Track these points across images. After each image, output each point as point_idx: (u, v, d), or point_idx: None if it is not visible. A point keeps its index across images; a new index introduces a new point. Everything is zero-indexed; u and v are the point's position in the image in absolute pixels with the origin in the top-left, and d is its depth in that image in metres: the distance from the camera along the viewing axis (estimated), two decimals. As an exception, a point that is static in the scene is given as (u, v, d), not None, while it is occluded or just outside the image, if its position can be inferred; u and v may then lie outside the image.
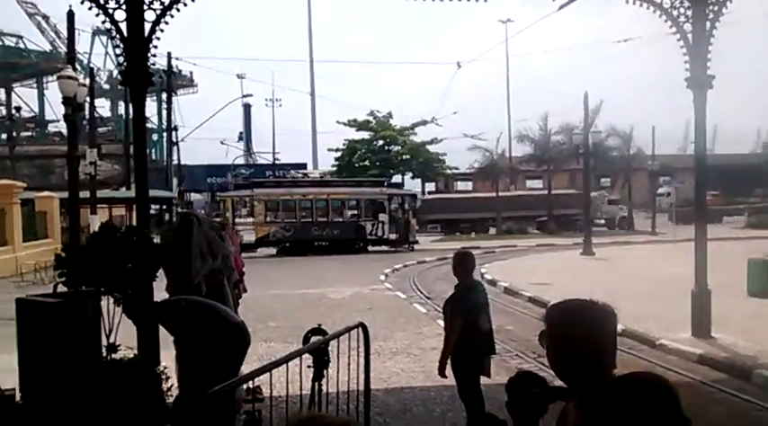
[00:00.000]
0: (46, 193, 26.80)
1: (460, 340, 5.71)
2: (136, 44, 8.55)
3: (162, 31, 8.73)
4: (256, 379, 5.06)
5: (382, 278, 19.54)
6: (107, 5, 8.47)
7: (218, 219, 14.16)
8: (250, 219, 32.07)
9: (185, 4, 8.80)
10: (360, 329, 5.02)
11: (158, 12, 8.60)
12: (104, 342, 5.70)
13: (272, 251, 31.07)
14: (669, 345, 9.81)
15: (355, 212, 31.95)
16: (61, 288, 5.77)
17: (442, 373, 5.78)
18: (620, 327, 9.74)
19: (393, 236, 31.44)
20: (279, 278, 19.91)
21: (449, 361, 5.81)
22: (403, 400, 7.50)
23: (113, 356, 5.80)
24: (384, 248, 31.02)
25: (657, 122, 70.05)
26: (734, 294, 13.13)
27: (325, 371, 4.63)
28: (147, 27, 8.58)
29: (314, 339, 4.48)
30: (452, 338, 5.75)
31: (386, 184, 35.41)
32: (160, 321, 5.29)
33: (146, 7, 8.58)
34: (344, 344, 5.38)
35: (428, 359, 8.85)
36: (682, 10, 10.20)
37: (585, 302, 2.37)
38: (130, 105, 11.72)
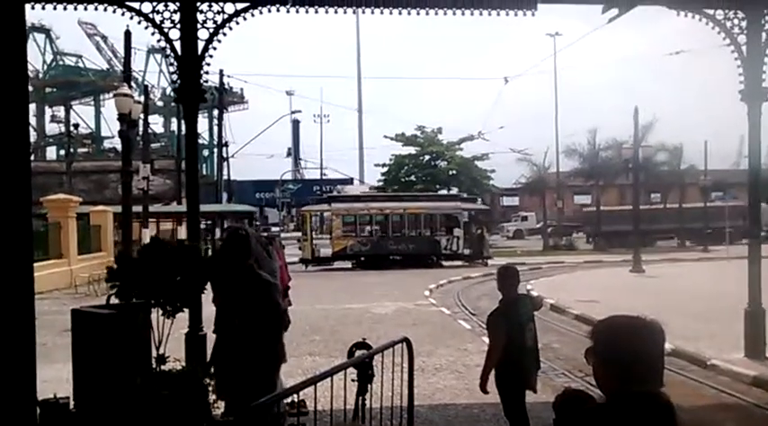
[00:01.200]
0: (100, 207, 27.56)
1: (504, 356, 5.67)
2: (189, 62, 8.82)
3: (215, 49, 8.98)
4: (300, 393, 5.13)
5: (426, 293, 19.47)
6: (162, 25, 8.77)
7: (265, 234, 14.37)
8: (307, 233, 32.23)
9: (237, 23, 9.05)
10: (404, 344, 5.02)
11: (211, 30, 8.87)
12: (154, 354, 5.84)
13: (347, 264, 31.37)
14: (721, 366, 9.54)
15: (430, 226, 32.02)
16: (114, 301, 5.95)
17: (483, 388, 5.74)
18: (669, 347, 9.53)
19: (467, 251, 31.36)
20: (325, 292, 20.03)
21: (493, 379, 5.78)
22: (446, 417, 7.47)
23: (163, 367, 5.93)
24: (458, 263, 30.85)
25: (711, 136, 68.30)
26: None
27: (369, 385, 4.65)
28: (201, 45, 8.85)
29: (358, 353, 4.51)
30: (494, 353, 5.73)
31: (460, 199, 35.45)
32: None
33: (199, 26, 8.85)
34: (388, 359, 5.40)
35: (472, 376, 8.76)
36: (735, 21, 10.01)
37: (633, 319, 2.34)
38: (183, 122, 12.02)
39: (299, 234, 33.61)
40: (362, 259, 31.05)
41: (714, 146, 46.89)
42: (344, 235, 31.34)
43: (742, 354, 9.84)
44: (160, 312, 6.05)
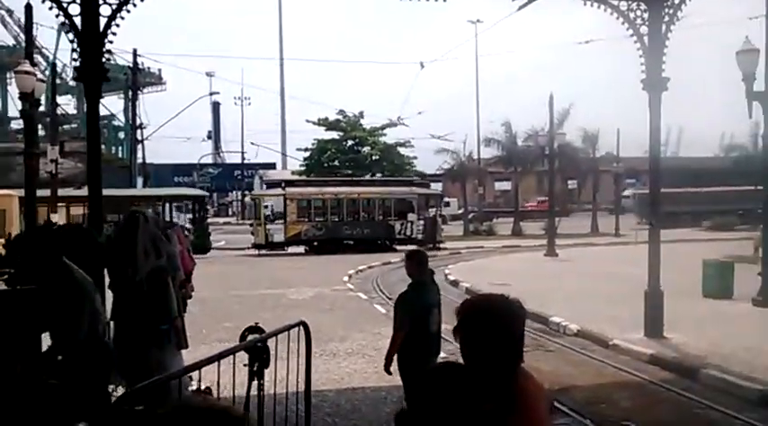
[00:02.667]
0: (4, 191, 26.20)
1: (407, 340, 5.72)
2: (90, 39, 8.47)
3: (118, 26, 8.64)
4: (208, 381, 5.00)
5: (345, 278, 19.47)
6: (61, -1, 8.36)
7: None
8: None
9: (142, 0, 8.73)
10: (300, 327, 4.96)
11: (114, 7, 8.54)
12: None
13: (300, 249, 31.14)
14: (622, 345, 9.93)
15: (385, 211, 32.08)
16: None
17: (387, 369, 5.81)
18: (575, 328, 9.85)
19: (420, 236, 31.49)
20: (245, 278, 19.83)
21: (396, 361, 5.82)
22: (353, 400, 7.49)
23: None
24: (411, 247, 30.72)
25: (625, 124, 70.78)
26: (690, 295, 13.38)
27: (265, 371, 4.56)
28: (103, 22, 8.49)
29: (250, 337, 4.43)
30: (399, 336, 5.77)
31: (414, 183, 35.60)
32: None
33: (101, 2, 8.49)
34: (293, 345, 5.33)
35: (383, 360, 8.83)
36: (638, 12, 10.37)
37: (495, 296, 2.41)
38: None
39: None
40: (316, 244, 30.90)
41: (629, 133, 48.57)
42: (299, 219, 31.13)
43: (642, 334, 10.27)
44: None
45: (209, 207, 59.42)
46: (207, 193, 35.81)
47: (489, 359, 2.26)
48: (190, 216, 31.92)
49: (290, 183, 34.20)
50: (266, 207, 33.30)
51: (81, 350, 4.52)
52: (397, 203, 32.29)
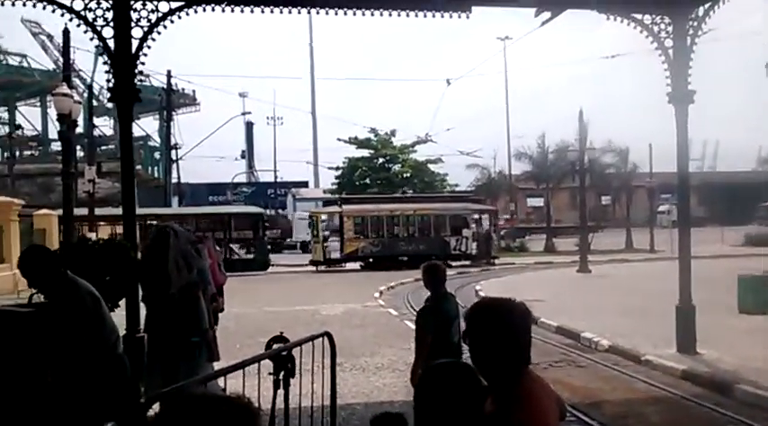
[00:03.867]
0: (44, 211, 26.93)
1: (431, 351, 5.76)
2: (123, 61, 8.71)
3: (149, 47, 8.89)
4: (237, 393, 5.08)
5: (376, 295, 19.56)
6: (95, 23, 8.64)
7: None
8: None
9: (172, 21, 8.97)
10: (325, 338, 5.03)
11: (145, 29, 8.77)
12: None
13: (356, 265, 31.60)
14: (654, 361, 9.79)
15: (440, 227, 32.35)
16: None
17: (413, 383, 5.83)
18: (607, 343, 9.76)
19: (475, 251, 31.74)
20: (279, 295, 20.10)
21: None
22: (381, 414, 7.50)
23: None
24: (466, 263, 30.98)
25: (657, 138, 70.06)
26: (725, 310, 13.16)
27: (291, 381, 4.64)
28: (135, 44, 8.75)
29: (275, 346, 4.51)
30: (423, 349, 5.82)
31: (469, 199, 35.81)
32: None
33: (133, 24, 8.75)
34: (319, 357, 5.41)
35: (411, 374, 8.86)
36: (662, 26, 10.30)
37: (501, 300, 2.47)
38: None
39: None
40: (371, 260, 31.19)
41: (661, 147, 47.91)
42: (355, 236, 31.53)
43: (674, 349, 10.12)
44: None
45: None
46: (265, 210, 36.09)
47: (494, 359, 2.31)
48: None
49: (345, 201, 34.57)
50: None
51: (90, 361, 4.63)
52: (452, 219, 32.51)
